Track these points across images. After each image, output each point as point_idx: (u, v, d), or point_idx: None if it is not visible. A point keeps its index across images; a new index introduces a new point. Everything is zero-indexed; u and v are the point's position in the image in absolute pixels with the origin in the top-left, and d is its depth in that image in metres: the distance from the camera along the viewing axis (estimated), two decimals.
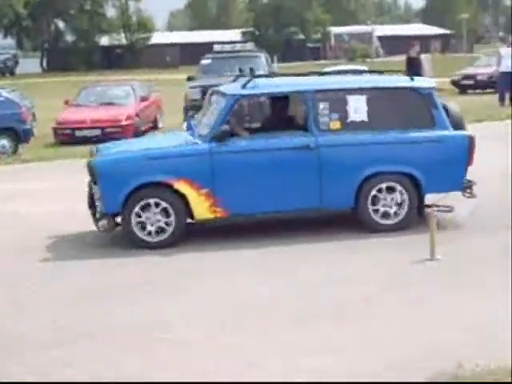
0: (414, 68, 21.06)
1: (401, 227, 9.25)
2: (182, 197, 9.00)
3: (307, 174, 9.16)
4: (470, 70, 33.05)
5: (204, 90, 19.97)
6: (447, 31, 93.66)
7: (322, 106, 9.20)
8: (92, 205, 9.47)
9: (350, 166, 9.18)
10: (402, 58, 26.10)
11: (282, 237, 9.34)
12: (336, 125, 9.24)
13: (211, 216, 9.20)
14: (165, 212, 8.99)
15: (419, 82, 9.94)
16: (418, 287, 7.39)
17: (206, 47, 29.36)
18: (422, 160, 9.29)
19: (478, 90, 31.34)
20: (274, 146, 9.16)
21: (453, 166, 9.34)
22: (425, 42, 73.02)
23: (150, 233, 9.04)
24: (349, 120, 9.26)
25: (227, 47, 23.44)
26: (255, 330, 6.43)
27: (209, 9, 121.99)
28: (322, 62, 66.65)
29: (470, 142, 9.38)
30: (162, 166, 9.03)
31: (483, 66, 31.74)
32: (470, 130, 10.06)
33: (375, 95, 9.40)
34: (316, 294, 7.30)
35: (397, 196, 9.25)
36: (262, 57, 22.27)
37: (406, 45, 22.93)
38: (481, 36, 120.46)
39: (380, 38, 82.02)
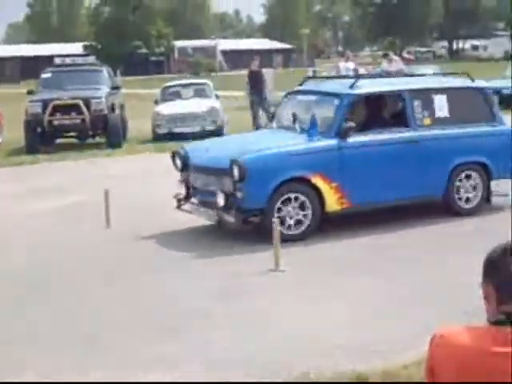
0: (256, 81, 21.35)
1: (476, 211, 10.53)
2: (316, 190, 9.54)
3: (415, 165, 10.21)
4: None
5: (45, 104, 19.57)
6: (289, 46, 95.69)
7: (416, 103, 10.33)
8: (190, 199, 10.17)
9: (444, 157, 10.35)
10: (246, 72, 26.38)
11: None
12: (428, 121, 10.40)
13: (339, 208, 9.83)
14: (301, 206, 9.48)
15: (480, 82, 11.49)
16: (254, 298, 7.43)
17: (48, 61, 28.70)
18: (491, 150, 10.62)
19: None
20: (388, 141, 10.12)
21: (509, 156, 10.62)
22: (267, 56, 74.25)
23: (289, 226, 9.39)
24: (435, 116, 10.44)
25: (68, 60, 23.00)
26: None
27: (50, 21, 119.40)
28: (166, 75, 66.54)
29: None
30: (300, 161, 9.58)
31: None
32: None
33: (451, 94, 10.66)
34: (146, 307, 7.25)
35: (473, 183, 10.53)
36: (104, 70, 22.01)
37: (248, 59, 23.17)
38: (321, 50, 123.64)
39: (223, 52, 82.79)
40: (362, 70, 32.68)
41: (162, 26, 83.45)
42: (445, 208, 10.53)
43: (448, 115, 10.49)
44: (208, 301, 7.36)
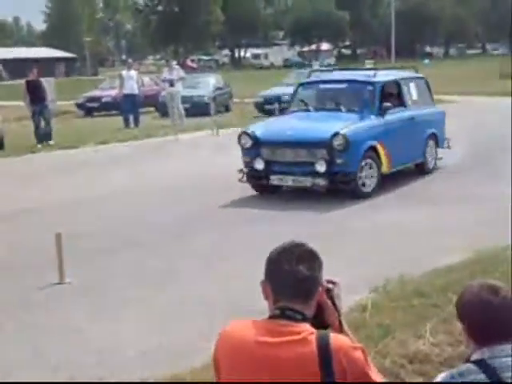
0: (34, 91, 20.75)
1: (433, 170, 14.25)
2: (378, 156, 12.18)
3: (413, 136, 13.39)
4: (94, 93, 33.38)
5: None
6: (72, 54, 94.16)
7: (406, 89, 13.71)
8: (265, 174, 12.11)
9: (423, 129, 13.96)
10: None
11: None
12: (411, 102, 13.76)
13: (387, 170, 12.56)
14: (370, 168, 12.01)
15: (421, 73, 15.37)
16: (36, 312, 7.20)
17: None
18: (438, 125, 14.57)
19: (103, 112, 31.69)
20: (401, 118, 13.14)
21: (443, 129, 14.81)
22: (49, 65, 72.82)
23: (364, 185, 11.90)
24: (413, 99, 13.90)
25: None
26: None
27: None
28: None
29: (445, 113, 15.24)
30: (372, 133, 12.16)
31: (108, 89, 32.19)
32: None
33: (415, 82, 14.27)
34: None
35: (432, 149, 14.25)
36: None
37: (30, 68, 22.56)
38: (105, 59, 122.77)
39: (3, 61, 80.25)
40: (146, 79, 32.81)
41: None
42: (421, 169, 13.93)
43: (417, 98, 13.96)
44: None
